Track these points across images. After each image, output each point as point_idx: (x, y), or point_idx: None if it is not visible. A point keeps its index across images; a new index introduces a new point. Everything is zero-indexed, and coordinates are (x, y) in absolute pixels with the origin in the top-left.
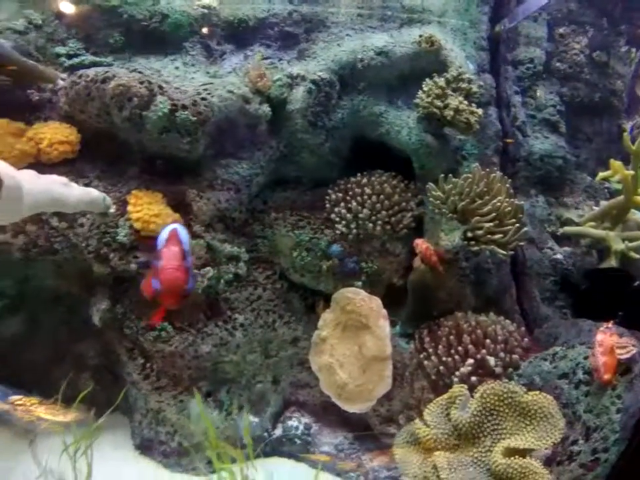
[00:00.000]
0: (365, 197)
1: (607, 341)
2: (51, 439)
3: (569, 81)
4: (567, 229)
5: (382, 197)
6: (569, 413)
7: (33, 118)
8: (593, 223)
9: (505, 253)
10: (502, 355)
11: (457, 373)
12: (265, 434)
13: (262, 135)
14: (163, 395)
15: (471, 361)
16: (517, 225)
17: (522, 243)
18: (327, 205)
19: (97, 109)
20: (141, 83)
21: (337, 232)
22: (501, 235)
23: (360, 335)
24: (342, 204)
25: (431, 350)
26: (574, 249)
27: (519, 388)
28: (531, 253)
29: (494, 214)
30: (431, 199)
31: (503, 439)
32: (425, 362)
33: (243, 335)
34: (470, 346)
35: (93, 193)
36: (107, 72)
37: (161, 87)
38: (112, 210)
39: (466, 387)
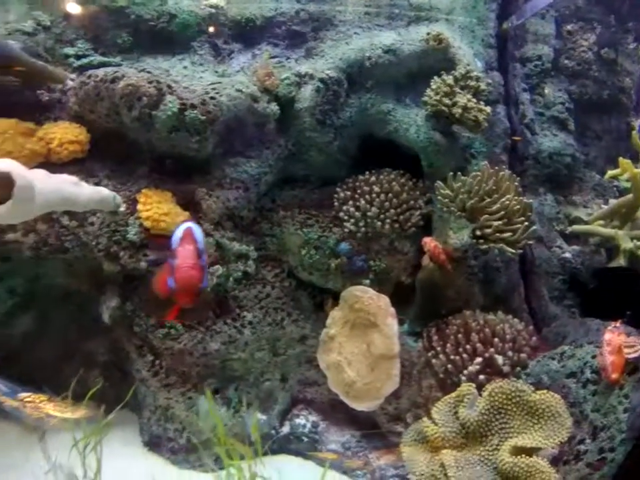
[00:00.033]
0: (374, 195)
1: (615, 340)
2: (61, 435)
3: (577, 79)
4: (576, 227)
5: (390, 195)
6: (576, 412)
7: (42, 118)
8: (601, 222)
9: (513, 251)
10: (510, 353)
11: (465, 372)
12: (273, 431)
13: (270, 133)
14: (171, 392)
15: (479, 359)
16: (526, 223)
17: (530, 242)
18: (336, 203)
19: (107, 109)
20: (150, 82)
21: (346, 230)
22: (509, 234)
23: (368, 333)
24: (350, 202)
25: (439, 348)
26: (582, 247)
27: (527, 387)
28: (540, 252)
29: (503, 212)
30: (439, 197)
31: (510, 437)
32: (433, 360)
33: (251, 332)
34: (478, 344)
35: (103, 191)
36: (116, 72)
37: (169, 87)
38: (122, 209)
39: (474, 385)
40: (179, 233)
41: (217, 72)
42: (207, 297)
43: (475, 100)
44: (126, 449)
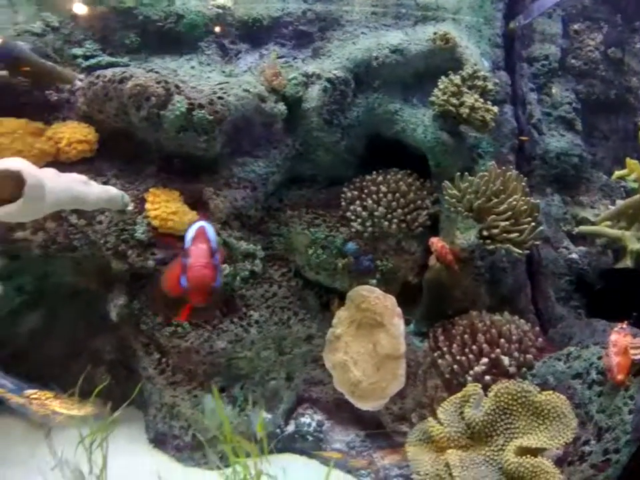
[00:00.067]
0: (381, 194)
1: (621, 342)
2: (67, 431)
3: (584, 78)
4: (583, 228)
5: (397, 195)
6: (581, 413)
7: (51, 118)
8: (608, 222)
9: (520, 251)
10: (516, 354)
11: (471, 372)
12: (278, 430)
13: (278, 133)
14: (177, 390)
15: (485, 360)
16: (533, 223)
17: (537, 242)
18: (343, 203)
19: (115, 109)
20: (158, 82)
21: (353, 230)
22: (516, 234)
23: (374, 333)
24: (357, 202)
25: (445, 348)
26: (589, 248)
27: (533, 387)
28: (547, 252)
29: (510, 213)
30: (446, 197)
31: (516, 437)
32: (439, 360)
33: (257, 331)
34: (484, 345)
35: (112, 190)
36: (124, 72)
37: (177, 87)
38: (130, 207)
39: (480, 385)
40: (191, 232)
41: (224, 72)
42: (217, 296)
43: (482, 100)
44: (131, 446)
